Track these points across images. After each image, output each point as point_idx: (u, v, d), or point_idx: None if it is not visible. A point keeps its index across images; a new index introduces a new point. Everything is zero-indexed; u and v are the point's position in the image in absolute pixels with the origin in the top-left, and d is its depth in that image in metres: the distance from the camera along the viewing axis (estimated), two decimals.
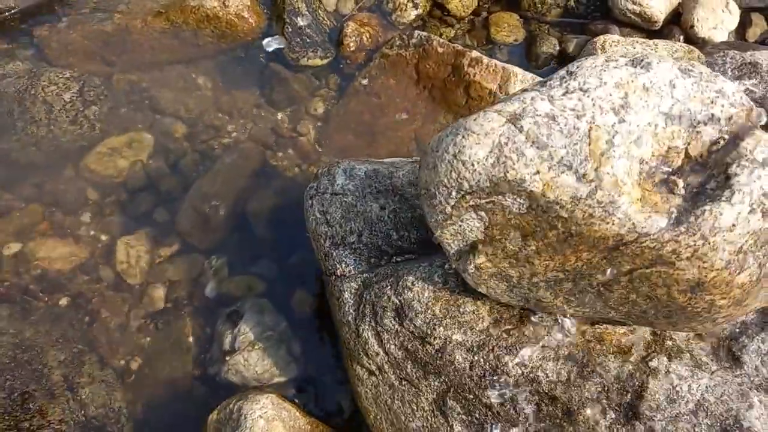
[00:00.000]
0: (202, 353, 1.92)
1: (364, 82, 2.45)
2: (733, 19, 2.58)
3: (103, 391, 1.80)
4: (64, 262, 2.04)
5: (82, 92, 2.34)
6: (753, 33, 2.63)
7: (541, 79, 2.27)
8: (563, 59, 2.60)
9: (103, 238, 2.13)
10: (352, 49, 2.54)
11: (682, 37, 2.54)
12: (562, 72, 1.16)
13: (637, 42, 2.23)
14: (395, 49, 2.45)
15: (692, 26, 2.51)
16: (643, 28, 2.59)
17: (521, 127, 1.04)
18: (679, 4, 2.59)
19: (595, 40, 2.23)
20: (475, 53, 2.34)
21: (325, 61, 2.52)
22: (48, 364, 1.79)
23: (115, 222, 2.16)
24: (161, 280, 2.06)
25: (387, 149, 2.33)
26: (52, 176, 2.23)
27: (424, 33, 2.45)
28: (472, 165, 1.06)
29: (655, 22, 2.55)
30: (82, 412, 1.74)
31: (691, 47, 2.34)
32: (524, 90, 1.18)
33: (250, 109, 2.43)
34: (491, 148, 1.05)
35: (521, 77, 2.30)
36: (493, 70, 2.31)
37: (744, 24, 2.62)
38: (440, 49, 2.39)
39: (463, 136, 1.07)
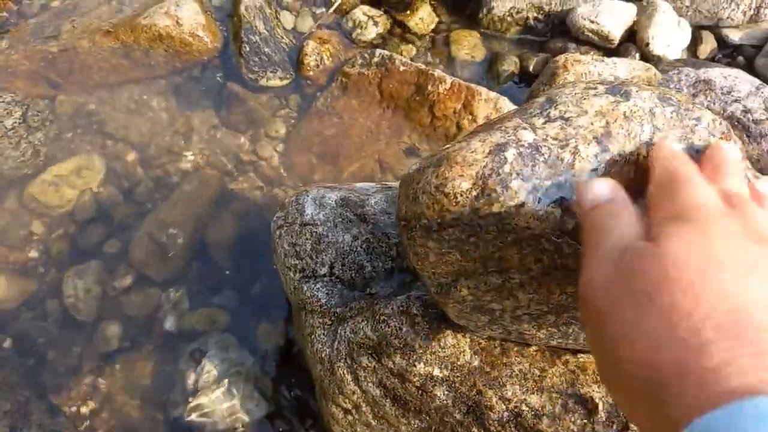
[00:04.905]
0: (164, 395, 1.80)
1: (326, 102, 2.39)
2: (685, 37, 2.64)
3: None
4: (10, 302, 1.89)
5: (26, 117, 2.19)
6: (704, 50, 2.70)
7: (515, 106, 2.28)
8: (524, 77, 2.61)
9: (52, 273, 1.98)
10: (312, 68, 2.48)
11: (638, 55, 2.59)
12: (542, 99, 1.13)
13: (598, 61, 2.24)
14: (356, 68, 2.41)
15: (647, 44, 2.56)
16: (601, 46, 2.63)
17: (505, 158, 0.99)
18: (633, 22, 2.64)
19: (557, 59, 2.23)
20: (438, 72, 2.32)
21: (285, 81, 2.44)
22: None
23: (65, 256, 2.02)
24: (116, 315, 1.93)
25: (351, 171, 2.27)
26: None
27: (386, 51, 2.41)
28: (455, 197, 1.01)
29: (612, 40, 2.59)
30: None
31: (648, 65, 2.37)
32: (503, 117, 1.14)
33: (208, 132, 2.33)
34: (475, 180, 1.00)
35: (485, 96, 2.29)
36: (456, 89, 2.29)
37: (696, 41, 2.69)
38: (403, 68, 2.36)
39: (446, 167, 1.02)
